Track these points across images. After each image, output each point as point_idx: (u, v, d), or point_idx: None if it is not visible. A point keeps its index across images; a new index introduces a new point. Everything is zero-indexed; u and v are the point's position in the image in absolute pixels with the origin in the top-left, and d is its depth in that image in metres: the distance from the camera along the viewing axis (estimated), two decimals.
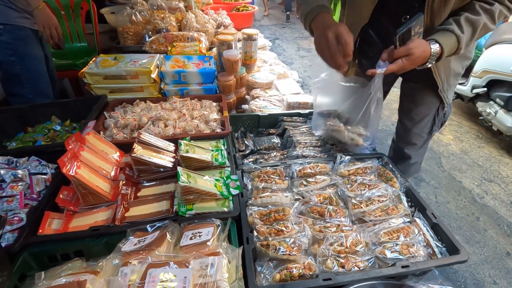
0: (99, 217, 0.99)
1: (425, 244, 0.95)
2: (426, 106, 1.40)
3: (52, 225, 0.93)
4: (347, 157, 1.22)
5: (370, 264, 0.87)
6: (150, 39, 2.25)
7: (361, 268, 0.85)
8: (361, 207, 1.02)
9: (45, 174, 1.08)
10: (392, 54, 1.03)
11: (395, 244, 0.90)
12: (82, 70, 1.60)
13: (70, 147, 1.01)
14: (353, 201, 1.04)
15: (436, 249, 0.94)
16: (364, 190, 1.07)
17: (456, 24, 1.03)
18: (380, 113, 1.23)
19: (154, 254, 0.73)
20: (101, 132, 1.36)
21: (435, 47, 1.03)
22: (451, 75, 1.27)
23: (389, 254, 0.88)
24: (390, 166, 1.21)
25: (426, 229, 0.98)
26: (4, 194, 0.96)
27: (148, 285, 0.62)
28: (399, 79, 1.51)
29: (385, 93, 1.58)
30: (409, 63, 1.03)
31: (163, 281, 0.63)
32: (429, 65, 1.08)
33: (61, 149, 1.21)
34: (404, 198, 1.10)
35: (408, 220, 1.03)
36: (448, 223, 2.20)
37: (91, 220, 0.97)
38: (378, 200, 1.04)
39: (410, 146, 1.51)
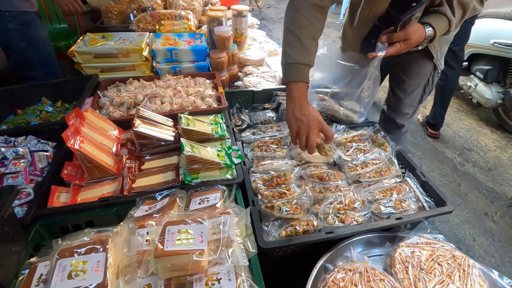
0: (105, 189, 1.01)
1: (415, 200, 1.03)
2: (418, 77, 1.46)
3: (60, 198, 0.95)
4: (342, 126, 1.28)
5: (367, 219, 0.94)
6: (136, 17, 2.19)
7: (359, 222, 0.92)
8: (357, 170, 1.08)
9: (46, 151, 1.08)
10: (392, 37, 1.08)
11: (389, 200, 0.98)
12: (71, 49, 1.56)
13: (71, 122, 1.01)
14: (350, 164, 1.10)
15: (425, 204, 1.02)
16: (359, 154, 1.14)
17: (448, 7, 1.08)
18: (376, 92, 1.28)
19: (169, 215, 0.77)
20: (97, 111, 1.35)
21: (429, 31, 1.09)
22: (444, 43, 1.34)
23: (384, 209, 0.95)
24: (382, 132, 1.28)
25: (416, 186, 1.07)
26: (7, 171, 0.96)
27: (168, 239, 0.66)
28: None
29: (383, 76, 1.63)
30: (406, 47, 1.09)
31: (181, 236, 0.67)
32: (420, 48, 1.15)
33: (58, 128, 1.21)
34: (395, 161, 1.17)
35: (400, 180, 1.11)
36: None
37: (99, 193, 1.00)
38: (373, 163, 1.11)
39: (402, 116, 1.58)
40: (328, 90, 1.38)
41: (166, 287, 0.65)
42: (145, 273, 0.65)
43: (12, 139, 1.11)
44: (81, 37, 1.67)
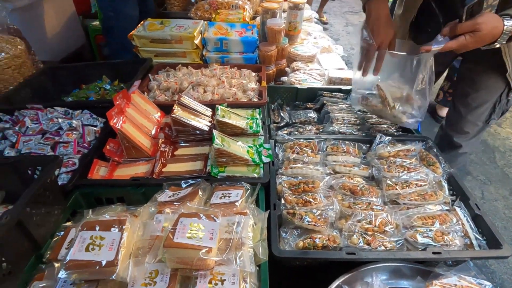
0: (139, 169, 1.07)
1: (462, 234, 0.89)
2: (487, 91, 1.24)
3: (99, 171, 1.03)
4: (387, 138, 1.16)
5: (398, 246, 0.84)
6: (195, 5, 2.25)
7: (387, 248, 0.83)
8: (396, 189, 0.97)
9: (95, 126, 1.18)
10: (455, 28, 0.91)
11: (428, 230, 0.86)
12: (131, 33, 1.67)
13: (117, 102, 1.08)
14: (388, 181, 0.99)
15: (474, 241, 0.87)
16: (402, 172, 1.02)
17: None
18: (431, 89, 1.12)
19: (186, 206, 0.78)
20: (145, 93, 1.43)
21: (509, 24, 0.88)
22: None
23: (420, 239, 0.84)
24: (435, 150, 1.12)
25: (466, 219, 0.92)
26: (61, 140, 1.07)
27: (179, 231, 0.67)
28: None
29: (439, 74, 1.43)
30: (474, 41, 0.90)
31: (192, 230, 0.68)
32: (498, 45, 0.94)
33: (109, 105, 1.30)
34: (445, 186, 1.03)
35: (447, 208, 0.96)
36: (493, 221, 2.02)
37: (132, 172, 1.06)
38: (416, 184, 0.98)
39: (461, 135, 1.37)
40: (374, 91, 1.23)
41: (172, 277, 0.66)
42: (153, 259, 0.67)
43: (70, 111, 1.24)
44: (142, 22, 1.78)
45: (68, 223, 0.88)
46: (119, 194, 0.97)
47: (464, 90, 1.30)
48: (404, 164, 1.05)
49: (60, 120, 1.12)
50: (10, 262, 0.68)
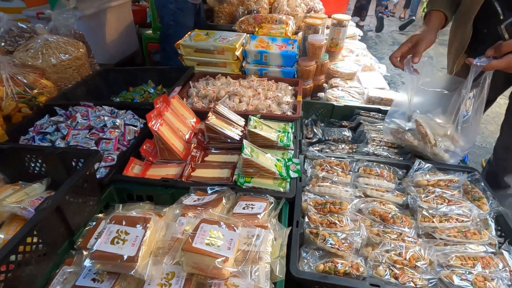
0: (170, 171, 1.11)
1: (510, 283, 0.78)
2: None
3: (134, 169, 1.09)
4: (427, 165, 1.07)
5: (430, 285, 0.76)
6: (240, 19, 2.34)
7: (417, 286, 0.76)
8: (433, 222, 0.89)
9: (135, 126, 1.26)
10: (501, 48, 0.85)
11: (468, 272, 0.77)
12: (178, 42, 1.77)
13: (157, 106, 1.15)
14: (425, 212, 0.91)
15: None
16: (441, 204, 0.93)
17: None
18: (479, 121, 1.03)
19: (208, 212, 0.78)
20: (184, 99, 1.50)
21: None
22: None
23: (457, 281, 0.76)
24: (482, 184, 1.01)
25: None
26: (104, 136, 1.16)
27: (199, 236, 0.67)
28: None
29: (489, 102, 1.31)
30: None
31: (211, 237, 0.68)
32: None
33: (151, 108, 1.39)
34: (492, 225, 0.92)
35: (492, 250, 0.86)
36: None
37: (164, 172, 1.10)
38: (457, 219, 0.89)
39: (510, 172, 1.23)
40: (410, 125, 1.15)
41: (187, 282, 0.67)
42: (171, 260, 0.68)
43: (116, 110, 1.34)
44: (189, 32, 1.89)
45: (100, 215, 0.94)
46: (149, 192, 1.01)
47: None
48: (444, 195, 0.96)
49: (106, 118, 1.22)
50: (46, 244, 0.74)
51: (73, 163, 0.93)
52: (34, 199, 0.83)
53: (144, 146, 1.15)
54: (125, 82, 1.84)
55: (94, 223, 0.88)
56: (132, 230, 0.70)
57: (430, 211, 0.91)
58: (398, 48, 1.10)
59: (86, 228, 0.87)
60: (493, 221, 0.93)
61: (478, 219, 0.91)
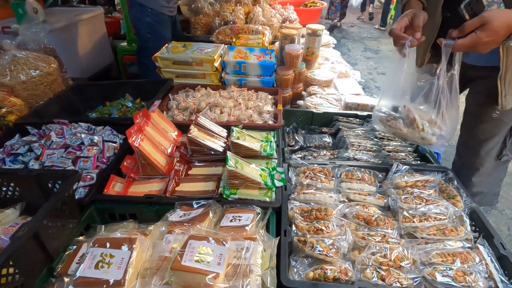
0: (153, 187, 1.09)
1: (486, 275, 0.83)
2: (494, 124, 1.20)
3: (115, 187, 1.05)
4: (404, 167, 1.13)
5: (415, 284, 0.79)
6: (217, 30, 2.36)
7: (403, 286, 0.78)
8: (413, 222, 0.93)
9: (114, 142, 1.22)
10: (463, 28, 0.87)
11: (448, 268, 0.81)
12: (155, 55, 1.75)
13: (137, 121, 1.13)
14: (405, 213, 0.95)
15: (500, 284, 0.81)
16: (420, 204, 0.98)
17: None
18: (457, 103, 1.05)
19: (195, 228, 0.77)
20: (164, 112, 1.48)
21: None
22: None
23: (439, 278, 0.79)
24: (455, 182, 1.08)
25: (491, 259, 0.86)
26: (82, 155, 1.12)
27: (188, 253, 0.66)
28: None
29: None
30: (486, 34, 0.84)
31: (201, 253, 0.67)
32: None
33: (130, 123, 1.35)
34: (467, 221, 0.97)
35: (469, 245, 0.91)
36: None
37: (146, 189, 1.08)
38: (435, 218, 0.94)
39: (472, 171, 1.30)
40: (396, 114, 1.16)
41: None
42: (160, 281, 0.66)
43: (93, 127, 1.29)
44: (166, 45, 1.87)
45: (81, 237, 0.89)
46: (132, 211, 0.98)
47: (470, 121, 1.26)
48: (422, 195, 1.01)
49: (83, 135, 1.18)
50: (23, 273, 0.70)
51: (50, 185, 0.89)
52: (7, 226, 0.78)
53: (125, 163, 1.12)
54: (101, 96, 1.79)
55: (74, 247, 0.84)
56: (117, 252, 0.68)
57: (410, 212, 0.95)
58: (398, 22, 1.05)
59: (66, 253, 0.83)
60: (467, 217, 0.98)
61: (454, 216, 0.96)
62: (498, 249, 0.87)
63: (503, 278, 0.82)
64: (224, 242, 0.71)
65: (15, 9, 2.32)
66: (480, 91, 1.21)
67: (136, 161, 1.13)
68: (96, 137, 1.19)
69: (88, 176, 1.05)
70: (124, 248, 0.69)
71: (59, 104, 1.59)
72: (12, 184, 0.90)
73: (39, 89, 1.56)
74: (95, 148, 1.16)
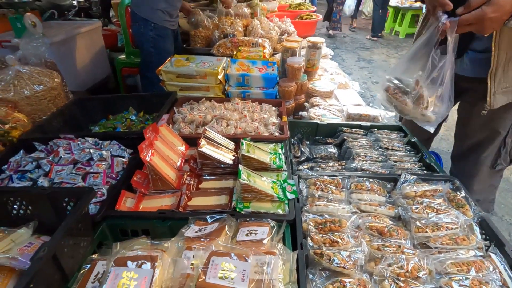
0: (164, 201, 1.08)
1: (501, 283, 0.84)
2: (486, 134, 1.23)
3: (126, 203, 1.04)
4: (412, 177, 1.15)
5: None
6: (217, 43, 2.39)
7: None
8: (426, 231, 0.94)
9: (123, 157, 1.22)
10: (470, 4, 0.87)
11: (464, 278, 0.82)
12: (159, 68, 1.77)
13: (147, 135, 1.13)
14: (418, 223, 0.97)
15: None
16: (431, 214, 1.00)
17: None
18: (450, 83, 1.06)
19: (215, 243, 0.77)
20: (170, 125, 1.48)
21: None
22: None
23: (456, 287, 0.80)
24: (463, 191, 1.10)
25: (504, 267, 0.87)
26: (91, 170, 1.11)
27: (211, 270, 0.66)
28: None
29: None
30: (492, 10, 0.83)
31: (224, 270, 0.67)
32: None
33: (137, 137, 1.36)
34: (477, 229, 0.99)
35: (481, 254, 0.92)
36: None
37: (158, 204, 1.07)
38: (447, 227, 0.95)
39: (468, 180, 1.32)
40: (400, 84, 1.16)
41: None
42: None
43: (100, 142, 1.29)
44: (169, 58, 1.89)
45: (94, 256, 0.88)
46: (145, 226, 0.98)
47: (462, 131, 1.29)
48: (432, 205, 1.03)
49: (91, 150, 1.17)
50: None
51: (64, 203, 0.87)
52: (22, 246, 0.76)
53: (135, 178, 1.11)
54: (103, 110, 1.79)
55: (88, 265, 0.83)
56: (140, 271, 0.67)
57: (423, 222, 0.97)
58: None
59: (81, 272, 0.82)
60: (477, 225, 1.00)
61: (465, 225, 0.98)
62: (510, 257, 0.88)
63: None
64: (246, 258, 0.71)
65: (13, 23, 2.32)
66: (470, 101, 1.24)
67: (146, 175, 1.12)
68: (104, 152, 1.18)
69: (99, 192, 1.04)
70: (146, 266, 0.68)
71: (62, 119, 1.58)
72: (24, 202, 0.88)
73: (43, 104, 1.55)
74: (104, 163, 1.15)
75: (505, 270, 0.87)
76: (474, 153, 1.28)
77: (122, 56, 3.12)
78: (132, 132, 1.49)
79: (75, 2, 3.86)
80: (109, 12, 4.75)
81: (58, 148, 1.18)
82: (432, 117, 1.12)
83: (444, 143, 3.48)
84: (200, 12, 2.68)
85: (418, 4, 7.15)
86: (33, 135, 1.36)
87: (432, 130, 1.19)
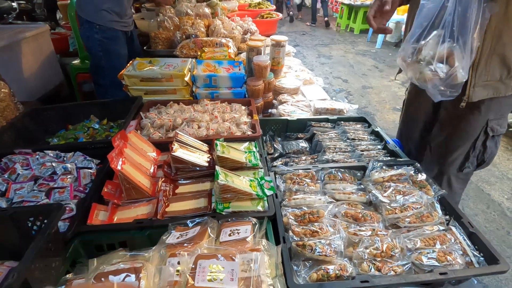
0: (140, 211, 1.04)
1: (461, 253, 0.94)
2: (460, 136, 1.26)
3: (98, 216, 0.99)
4: (379, 164, 1.23)
5: (406, 270, 0.87)
6: (180, 44, 2.33)
7: (397, 273, 0.86)
8: (396, 213, 1.02)
9: (90, 168, 1.15)
10: None
11: (431, 251, 0.90)
12: (121, 72, 1.68)
13: (116, 143, 1.07)
14: (388, 206, 1.04)
15: (473, 259, 0.92)
16: (398, 196, 1.08)
17: None
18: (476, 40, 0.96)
19: (200, 247, 0.76)
20: (138, 131, 1.42)
21: None
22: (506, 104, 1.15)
23: (425, 261, 0.88)
24: (423, 173, 1.20)
25: (463, 237, 0.98)
26: (55, 186, 1.03)
27: (199, 274, 0.65)
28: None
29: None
30: None
31: (212, 272, 0.67)
32: None
33: (103, 146, 1.29)
34: (438, 206, 1.09)
35: (443, 228, 1.02)
36: None
37: (133, 214, 1.03)
38: (413, 207, 1.04)
39: (435, 180, 1.39)
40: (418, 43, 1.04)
41: None
42: None
43: (62, 154, 1.20)
44: (130, 62, 1.81)
45: (68, 275, 0.82)
46: (122, 238, 0.93)
47: (439, 132, 1.36)
48: (398, 188, 1.11)
49: (54, 164, 1.08)
50: None
51: (29, 224, 0.80)
52: None
53: (106, 189, 1.05)
54: (61, 120, 1.66)
55: (63, 287, 0.77)
56: (124, 285, 0.64)
57: (392, 204, 1.04)
58: (371, 8, 1.16)
59: None
60: (438, 203, 1.10)
61: (428, 204, 1.08)
62: (468, 228, 0.99)
63: (475, 253, 0.94)
64: (233, 257, 0.71)
65: None
66: (448, 104, 1.27)
67: (118, 185, 1.07)
68: (69, 165, 1.10)
69: (67, 208, 0.97)
70: (130, 278, 0.65)
71: (13, 133, 1.45)
72: None
73: None
74: (69, 176, 1.08)
75: (464, 240, 0.97)
76: (445, 154, 1.29)
77: (76, 61, 2.92)
78: (98, 141, 1.41)
79: (15, 4, 3.52)
80: (55, 14, 4.40)
81: (14, 164, 1.08)
82: (459, 75, 1.00)
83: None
84: (159, 13, 2.60)
85: (369, 1, 7.61)
86: None
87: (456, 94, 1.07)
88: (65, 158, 1.18)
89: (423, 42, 1.06)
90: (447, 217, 1.07)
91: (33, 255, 0.65)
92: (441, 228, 1.02)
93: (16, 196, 0.97)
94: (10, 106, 1.52)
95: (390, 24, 7.55)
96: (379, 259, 0.88)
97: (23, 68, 2.55)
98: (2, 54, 2.31)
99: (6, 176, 1.04)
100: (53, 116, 1.64)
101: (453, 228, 1.00)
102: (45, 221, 0.77)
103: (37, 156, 1.14)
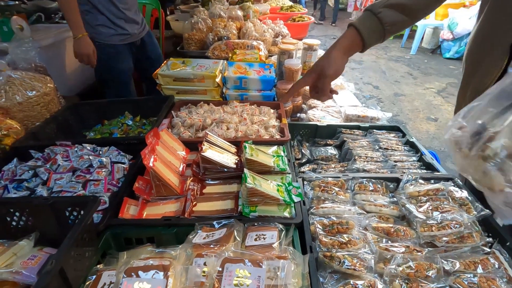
0: (168, 208, 1.06)
1: (506, 279, 0.86)
2: None
3: (129, 210, 1.02)
4: (414, 176, 1.16)
5: None
6: (212, 45, 2.38)
7: None
8: (432, 230, 0.96)
9: (123, 163, 1.19)
10: None
11: (472, 275, 0.83)
12: (156, 72, 1.74)
13: (149, 141, 1.10)
14: (423, 222, 0.98)
15: None
16: (435, 212, 1.01)
17: None
18: None
19: (228, 250, 0.76)
20: (169, 129, 1.46)
21: None
22: None
23: (465, 285, 0.81)
24: (464, 189, 1.12)
25: (508, 264, 0.89)
26: (91, 178, 1.08)
27: (226, 278, 0.65)
28: None
29: None
30: None
31: (239, 277, 0.66)
32: None
33: (135, 142, 1.33)
34: (480, 227, 1.01)
35: (486, 251, 0.94)
36: None
37: (162, 210, 1.05)
38: (452, 226, 0.97)
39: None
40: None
41: None
42: None
43: (98, 148, 1.25)
44: (165, 61, 1.87)
45: (99, 266, 0.85)
46: (150, 234, 0.95)
47: None
48: (435, 204, 1.04)
49: (90, 157, 1.13)
50: None
51: (67, 213, 0.84)
52: (25, 259, 0.73)
53: (137, 184, 1.08)
54: (98, 115, 1.75)
55: (94, 276, 0.80)
56: (153, 281, 0.65)
57: (428, 221, 0.98)
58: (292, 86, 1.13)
59: (87, 284, 0.79)
60: (480, 223, 1.02)
61: (468, 223, 1.00)
62: None
63: None
64: (260, 264, 0.70)
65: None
66: None
67: (148, 182, 1.10)
68: (104, 159, 1.15)
69: (101, 200, 1.01)
70: (158, 276, 0.66)
71: (55, 125, 1.54)
72: (25, 213, 0.85)
73: (36, 110, 1.50)
74: (104, 170, 1.12)
75: (510, 266, 0.89)
76: None
77: None
78: (131, 137, 1.46)
79: None
80: None
81: (55, 155, 1.14)
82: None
83: (435, 141, 3.55)
84: (194, 14, 2.66)
85: None
86: (27, 142, 1.32)
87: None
88: (100, 152, 1.23)
89: (495, 130, 0.68)
90: (490, 239, 0.99)
91: (70, 244, 0.68)
92: (483, 251, 0.94)
93: (56, 185, 1.03)
94: (54, 100, 1.62)
95: (428, 29, 7.20)
96: (413, 278, 0.83)
97: (65, 64, 2.72)
98: (48, 51, 2.47)
99: (48, 166, 1.11)
100: (90, 111, 1.73)
101: (497, 252, 0.92)
102: (82, 212, 0.81)
103: (76, 149, 1.20)
